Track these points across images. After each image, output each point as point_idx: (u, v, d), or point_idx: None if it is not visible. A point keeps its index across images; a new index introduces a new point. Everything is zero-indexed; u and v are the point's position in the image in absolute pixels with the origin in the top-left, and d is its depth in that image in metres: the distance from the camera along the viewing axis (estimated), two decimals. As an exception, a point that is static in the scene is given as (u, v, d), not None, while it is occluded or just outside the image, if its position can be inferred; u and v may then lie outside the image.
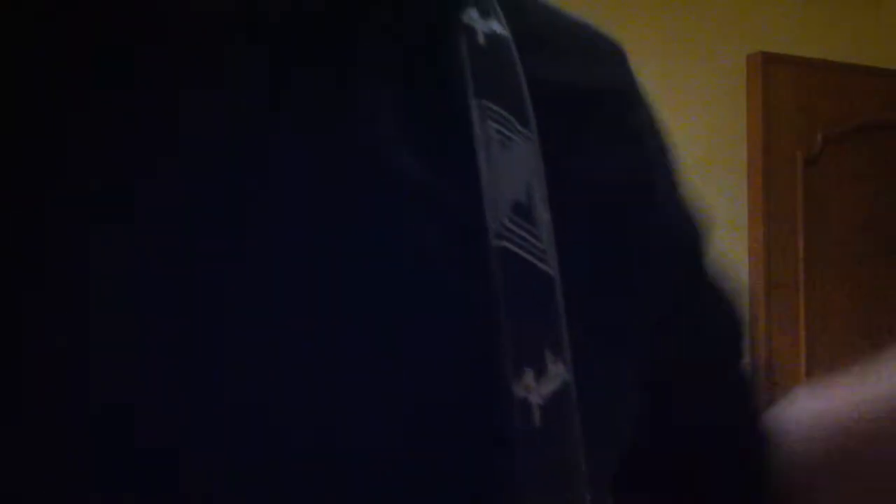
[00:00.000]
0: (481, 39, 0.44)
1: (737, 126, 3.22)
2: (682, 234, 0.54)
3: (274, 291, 0.38)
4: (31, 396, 0.37)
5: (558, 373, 0.41)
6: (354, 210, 0.39)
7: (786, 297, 3.15)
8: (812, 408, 0.59)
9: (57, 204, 0.38)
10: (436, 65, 0.43)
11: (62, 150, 0.39)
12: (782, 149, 3.21)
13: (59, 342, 0.37)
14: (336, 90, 0.41)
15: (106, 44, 0.40)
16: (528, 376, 0.40)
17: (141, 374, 0.37)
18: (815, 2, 3.37)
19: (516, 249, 0.41)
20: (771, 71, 3.20)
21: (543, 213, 0.43)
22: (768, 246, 3.16)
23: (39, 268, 0.37)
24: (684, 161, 0.66)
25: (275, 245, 0.39)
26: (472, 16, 0.44)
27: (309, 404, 0.38)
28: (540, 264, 0.42)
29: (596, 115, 0.50)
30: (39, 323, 0.37)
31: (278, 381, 0.38)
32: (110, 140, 0.39)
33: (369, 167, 0.40)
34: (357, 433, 0.39)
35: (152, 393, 0.37)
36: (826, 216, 3.24)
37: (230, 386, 0.38)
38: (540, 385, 0.40)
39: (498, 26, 0.45)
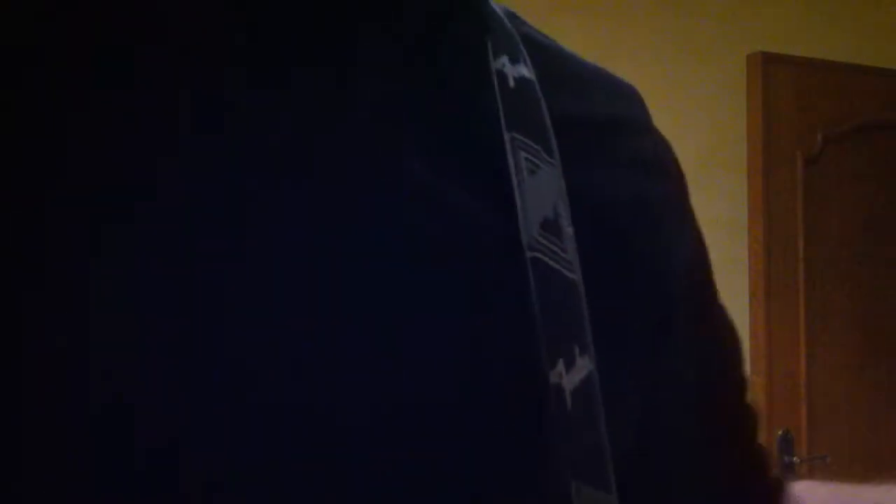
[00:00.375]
0: (511, 83, 0.51)
1: (737, 126, 3.22)
2: (684, 249, 0.59)
3: (288, 292, 0.40)
4: (32, 396, 0.37)
5: (584, 364, 0.47)
6: (407, 232, 0.44)
7: (786, 297, 3.16)
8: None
9: (57, 204, 0.39)
10: (476, 105, 0.50)
11: (62, 150, 0.39)
12: (782, 149, 3.21)
13: (60, 342, 0.37)
14: (377, 124, 0.45)
15: (105, 43, 0.41)
16: (560, 366, 0.45)
17: (141, 373, 0.38)
18: (815, 2, 3.37)
19: (546, 259, 0.47)
20: (771, 71, 3.20)
21: (567, 228, 0.49)
22: (768, 246, 3.16)
23: (40, 268, 0.38)
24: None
25: (282, 246, 0.41)
26: (503, 63, 0.51)
27: (324, 403, 0.40)
28: (566, 272, 0.48)
29: (610, 142, 0.57)
30: (39, 323, 0.37)
31: (295, 379, 0.40)
32: (110, 140, 0.40)
33: (419, 196, 0.44)
34: (367, 432, 0.40)
35: (152, 393, 0.38)
36: (826, 216, 3.25)
37: (230, 386, 0.39)
38: (570, 374, 0.46)
39: (525, 70, 0.53)
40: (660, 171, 0.59)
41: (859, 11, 3.41)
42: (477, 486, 0.43)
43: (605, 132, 0.57)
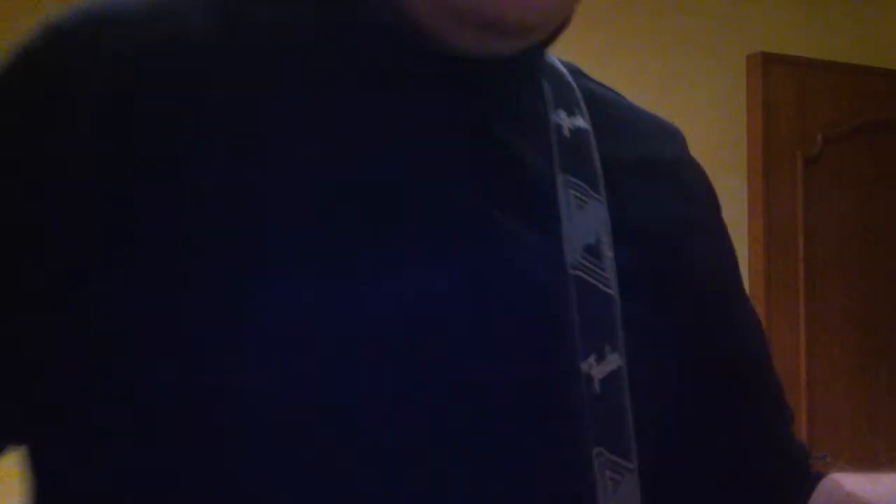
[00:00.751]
0: (567, 133, 0.64)
1: (737, 126, 3.22)
2: (718, 259, 0.71)
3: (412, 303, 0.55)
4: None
5: (614, 360, 0.60)
6: (497, 256, 0.58)
7: (786, 297, 3.16)
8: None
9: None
10: (536, 149, 0.62)
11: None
12: (782, 149, 3.21)
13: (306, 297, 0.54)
14: (469, 162, 0.59)
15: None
16: (591, 359, 0.59)
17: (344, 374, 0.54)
18: (815, 2, 3.37)
19: (586, 276, 0.60)
20: (771, 71, 3.20)
21: (608, 252, 0.62)
22: (768, 246, 3.16)
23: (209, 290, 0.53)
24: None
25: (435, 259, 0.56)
26: (560, 116, 0.65)
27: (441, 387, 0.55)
28: (602, 287, 0.61)
29: (656, 176, 0.68)
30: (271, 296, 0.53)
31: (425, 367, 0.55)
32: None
33: (502, 233, 0.59)
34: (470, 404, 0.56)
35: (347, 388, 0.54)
36: (826, 216, 3.25)
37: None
38: (600, 366, 0.59)
39: (580, 121, 0.65)
40: (697, 198, 0.72)
41: (859, 11, 3.41)
42: (527, 441, 0.57)
43: (652, 168, 0.69)
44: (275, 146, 0.56)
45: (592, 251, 0.61)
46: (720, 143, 3.14)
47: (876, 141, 3.32)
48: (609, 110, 0.69)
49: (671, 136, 0.73)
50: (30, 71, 0.56)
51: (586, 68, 0.74)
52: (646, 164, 0.68)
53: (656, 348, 0.62)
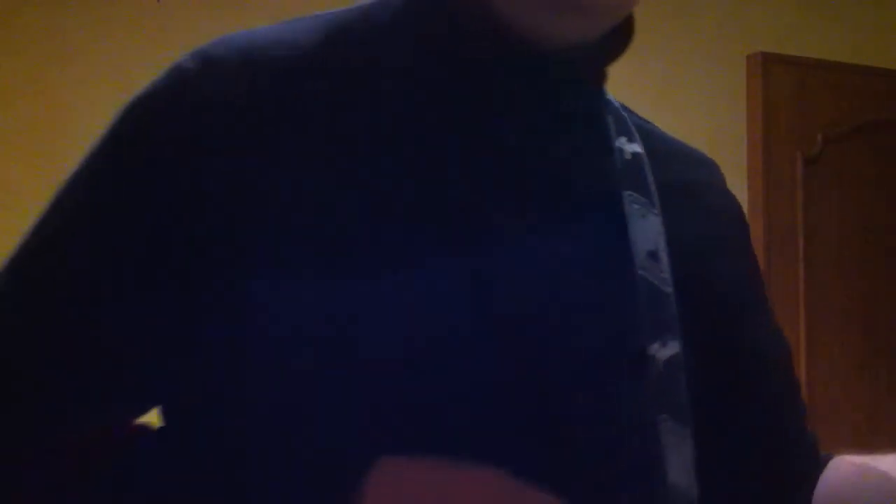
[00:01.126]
0: (627, 156, 0.74)
1: (737, 126, 3.22)
2: (740, 275, 0.82)
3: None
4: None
5: (674, 346, 0.70)
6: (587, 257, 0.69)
7: (786, 297, 3.16)
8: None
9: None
10: (606, 166, 0.73)
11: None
12: (782, 149, 3.21)
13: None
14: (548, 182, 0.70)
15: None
16: (657, 345, 0.70)
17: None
18: (815, 2, 3.38)
19: (649, 277, 0.71)
20: (771, 71, 3.20)
21: (665, 257, 0.72)
22: (768, 246, 3.16)
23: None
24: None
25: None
26: (621, 141, 0.75)
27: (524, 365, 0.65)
28: (662, 286, 0.71)
29: (696, 199, 0.80)
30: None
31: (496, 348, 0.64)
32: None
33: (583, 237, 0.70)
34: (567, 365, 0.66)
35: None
36: (826, 216, 3.25)
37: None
38: (663, 350, 0.70)
39: (637, 147, 0.76)
40: (731, 220, 0.83)
41: (859, 11, 3.41)
42: (607, 408, 0.67)
43: (693, 192, 0.80)
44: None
45: (653, 256, 0.72)
46: (720, 143, 3.14)
47: (876, 141, 3.33)
48: (655, 141, 0.79)
49: (708, 166, 0.85)
50: (182, 92, 0.65)
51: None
52: (685, 188, 0.79)
53: (687, 346, 0.72)
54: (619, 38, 0.74)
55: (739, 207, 0.86)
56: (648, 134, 0.79)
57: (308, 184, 0.62)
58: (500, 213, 0.66)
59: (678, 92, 3.10)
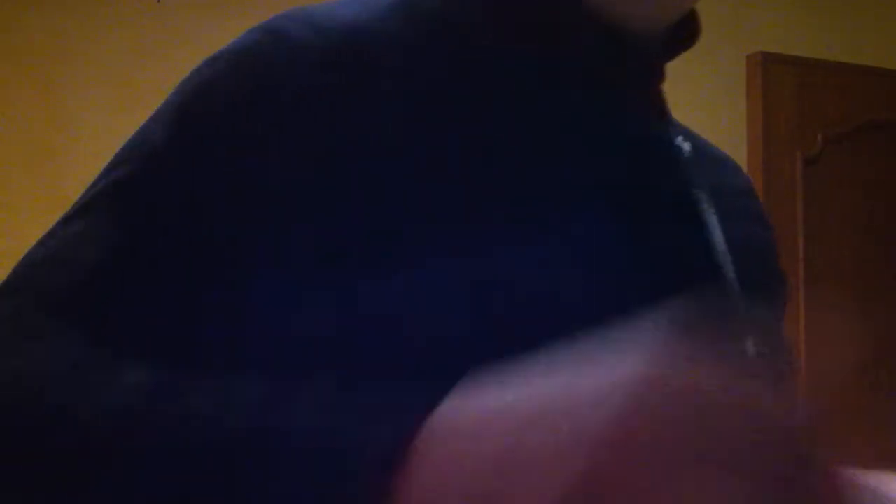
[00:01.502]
0: (686, 153, 0.77)
1: (737, 126, 3.23)
2: (776, 271, 0.88)
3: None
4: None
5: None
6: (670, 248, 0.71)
7: (786, 297, 3.16)
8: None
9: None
10: (677, 168, 0.75)
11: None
12: (782, 149, 3.21)
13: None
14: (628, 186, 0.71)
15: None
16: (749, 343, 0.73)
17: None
18: (815, 2, 3.38)
19: (729, 275, 0.74)
20: (771, 71, 3.21)
21: (727, 253, 0.75)
22: (768, 246, 3.16)
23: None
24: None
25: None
26: (681, 140, 0.77)
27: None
28: (730, 275, 0.74)
29: (736, 202, 0.82)
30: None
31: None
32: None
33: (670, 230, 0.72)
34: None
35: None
36: (826, 216, 3.25)
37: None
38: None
39: (689, 146, 0.78)
40: (763, 223, 0.88)
41: (860, 11, 3.41)
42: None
43: (734, 195, 0.83)
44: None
45: (725, 256, 0.75)
46: (720, 143, 3.14)
47: (876, 141, 3.33)
48: (699, 146, 0.82)
49: (738, 169, 0.90)
50: (255, 64, 0.65)
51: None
52: (725, 188, 0.82)
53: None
54: (684, 31, 0.75)
55: (763, 208, 0.90)
56: (691, 137, 0.81)
57: (319, 181, 0.61)
58: (568, 204, 0.66)
59: (678, 91, 3.09)
